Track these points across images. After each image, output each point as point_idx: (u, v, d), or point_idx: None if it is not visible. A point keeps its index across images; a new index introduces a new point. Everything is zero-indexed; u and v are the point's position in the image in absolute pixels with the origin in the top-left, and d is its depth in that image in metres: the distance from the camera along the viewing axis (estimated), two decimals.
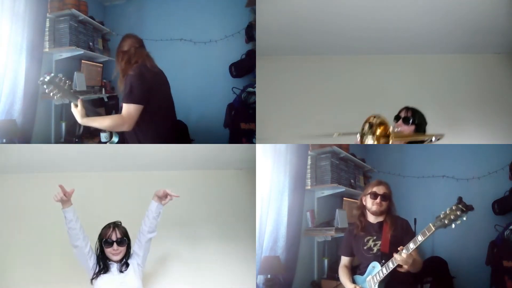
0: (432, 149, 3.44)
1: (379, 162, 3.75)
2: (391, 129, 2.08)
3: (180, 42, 3.89)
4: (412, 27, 3.35)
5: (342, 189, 3.07)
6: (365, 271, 1.99)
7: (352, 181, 3.32)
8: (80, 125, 3.15)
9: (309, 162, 3.01)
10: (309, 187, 3.01)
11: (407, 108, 2.30)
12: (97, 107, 3.52)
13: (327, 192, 3.09)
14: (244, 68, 3.69)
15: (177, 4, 3.89)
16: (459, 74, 3.80)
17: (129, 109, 2.02)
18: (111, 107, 3.76)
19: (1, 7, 2.39)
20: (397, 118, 2.30)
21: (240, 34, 3.75)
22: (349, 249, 2.14)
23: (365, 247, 2.03)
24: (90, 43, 3.29)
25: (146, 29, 3.93)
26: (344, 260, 2.16)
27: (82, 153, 2.67)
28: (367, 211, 2.08)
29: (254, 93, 3.40)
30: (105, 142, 2.75)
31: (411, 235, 1.92)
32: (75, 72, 3.06)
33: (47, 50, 2.89)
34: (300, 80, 3.87)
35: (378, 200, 2.02)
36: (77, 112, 2.05)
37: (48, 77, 1.90)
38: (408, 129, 2.23)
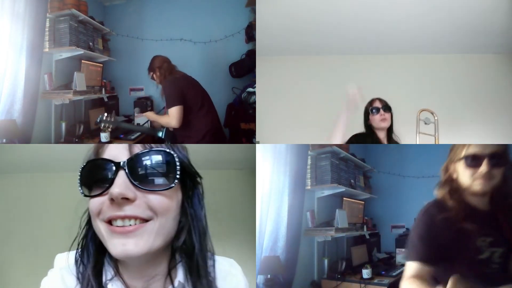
0: (432, 149, 3.44)
1: (379, 162, 3.75)
2: (375, 121, 2.13)
3: (180, 42, 3.89)
4: (412, 27, 3.35)
5: (342, 189, 3.07)
6: None
7: (352, 181, 3.32)
8: (80, 125, 3.18)
9: (309, 162, 3.01)
10: (309, 187, 3.01)
11: (378, 99, 2.22)
12: (97, 107, 3.54)
13: (327, 192, 3.09)
14: (244, 68, 3.69)
15: (177, 4, 3.89)
16: (459, 74, 3.80)
17: (172, 112, 2.56)
18: (111, 107, 3.76)
19: (1, 7, 2.38)
20: (375, 110, 2.17)
21: (240, 34, 3.75)
22: (433, 252, 1.12)
23: (479, 256, 1.09)
24: (90, 43, 3.28)
25: (146, 29, 3.94)
26: (419, 269, 1.11)
27: (82, 153, 2.67)
28: (461, 191, 1.17)
29: (254, 93, 3.40)
30: (105, 142, 2.75)
31: None
32: (75, 72, 3.05)
33: (47, 50, 2.88)
34: (300, 80, 3.87)
35: (485, 167, 1.09)
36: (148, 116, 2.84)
37: (98, 119, 2.64)
38: (389, 117, 2.17)
